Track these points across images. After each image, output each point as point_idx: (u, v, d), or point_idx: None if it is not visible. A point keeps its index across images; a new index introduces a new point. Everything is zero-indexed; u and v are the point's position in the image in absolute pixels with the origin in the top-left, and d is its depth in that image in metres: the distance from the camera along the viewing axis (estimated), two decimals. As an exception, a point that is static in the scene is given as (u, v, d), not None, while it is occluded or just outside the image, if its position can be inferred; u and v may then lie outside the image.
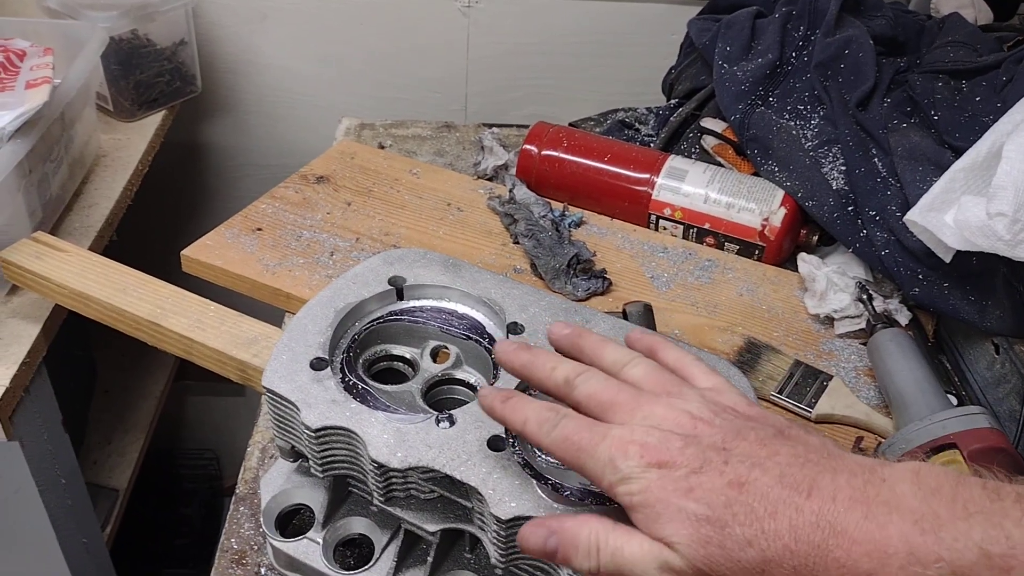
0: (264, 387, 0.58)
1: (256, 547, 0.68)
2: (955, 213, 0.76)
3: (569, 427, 0.47)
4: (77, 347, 1.40)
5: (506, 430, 0.55)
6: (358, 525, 0.62)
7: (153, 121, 1.25)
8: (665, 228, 0.99)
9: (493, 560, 0.54)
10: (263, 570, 0.66)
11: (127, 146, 1.20)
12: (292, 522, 0.65)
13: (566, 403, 0.50)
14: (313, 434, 0.56)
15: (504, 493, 0.52)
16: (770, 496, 0.42)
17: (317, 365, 0.59)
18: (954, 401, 0.78)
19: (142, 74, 1.23)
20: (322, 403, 0.56)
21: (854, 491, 0.41)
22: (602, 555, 0.45)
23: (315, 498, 0.63)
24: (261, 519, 0.62)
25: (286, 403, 0.57)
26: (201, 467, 1.94)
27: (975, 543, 0.38)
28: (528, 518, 0.51)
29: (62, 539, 0.99)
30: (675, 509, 0.42)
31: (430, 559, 0.58)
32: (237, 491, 0.72)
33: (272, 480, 0.64)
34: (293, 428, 0.58)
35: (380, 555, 0.60)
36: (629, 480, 0.44)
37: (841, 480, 0.42)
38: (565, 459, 0.47)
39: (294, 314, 0.88)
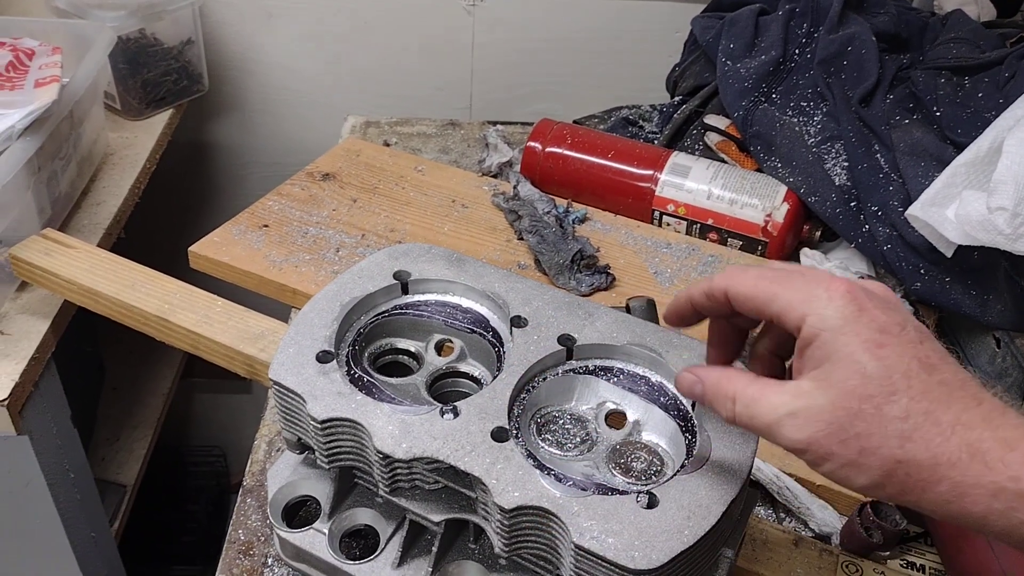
0: (271, 379, 0.58)
1: (263, 538, 0.68)
2: (956, 208, 0.77)
3: (764, 270, 0.47)
4: (85, 344, 1.41)
5: (509, 421, 0.56)
6: (364, 516, 0.63)
7: (160, 120, 1.26)
8: (668, 224, 1.00)
9: (497, 550, 0.55)
10: (270, 560, 0.67)
11: (135, 144, 1.21)
12: (299, 513, 0.66)
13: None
14: (319, 426, 0.57)
15: (508, 483, 0.52)
16: (949, 387, 0.41)
17: (323, 358, 0.59)
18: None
19: (149, 73, 1.24)
20: (328, 395, 0.57)
21: (1020, 419, 0.41)
22: (737, 405, 0.46)
23: (321, 489, 0.64)
24: (268, 510, 0.63)
25: (293, 395, 0.58)
26: (208, 464, 1.95)
27: None
28: (531, 507, 0.51)
29: (71, 533, 1.00)
30: (852, 359, 0.42)
31: (435, 549, 0.59)
32: (244, 483, 0.73)
33: (279, 472, 0.65)
34: (300, 420, 0.59)
35: (385, 545, 0.61)
36: (824, 313, 0.43)
37: (1011, 411, 0.42)
38: (755, 293, 0.46)
39: (300, 309, 0.89)
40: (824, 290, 0.44)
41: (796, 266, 0.48)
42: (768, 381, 0.46)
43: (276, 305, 0.90)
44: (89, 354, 1.45)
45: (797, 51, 1.05)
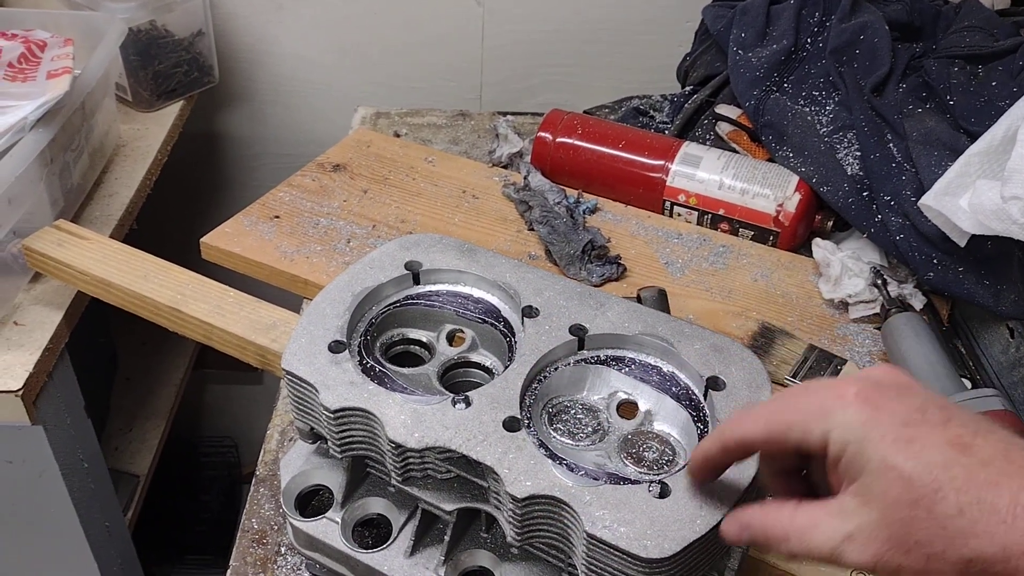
0: (283, 369, 0.59)
1: (276, 527, 0.69)
2: (970, 197, 0.77)
3: (763, 404, 0.47)
4: (98, 335, 1.42)
5: (521, 411, 0.56)
6: (376, 505, 0.63)
7: (171, 111, 1.26)
8: (679, 214, 1.00)
9: (509, 538, 0.55)
10: (283, 549, 0.67)
11: (146, 136, 1.21)
12: (311, 503, 0.66)
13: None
14: (332, 415, 0.57)
15: (520, 472, 0.52)
16: (994, 466, 0.39)
17: (335, 348, 0.60)
18: (968, 385, 0.79)
19: (160, 64, 1.24)
20: (341, 385, 0.57)
21: None
22: (793, 543, 0.44)
23: (334, 479, 0.64)
24: (281, 499, 0.63)
25: (305, 385, 0.58)
26: (220, 455, 1.96)
27: None
28: (544, 497, 0.52)
29: (85, 523, 1.01)
30: (887, 467, 0.40)
31: (447, 538, 0.59)
32: (257, 473, 0.73)
33: (291, 461, 0.66)
34: (312, 410, 0.59)
35: (398, 534, 0.61)
36: (843, 425, 0.42)
37: None
38: (768, 428, 0.46)
39: (312, 300, 0.89)
40: (835, 399, 0.43)
41: (798, 386, 0.48)
42: (810, 506, 0.44)
43: (287, 296, 0.91)
44: (102, 345, 1.45)
45: (809, 40, 1.05)
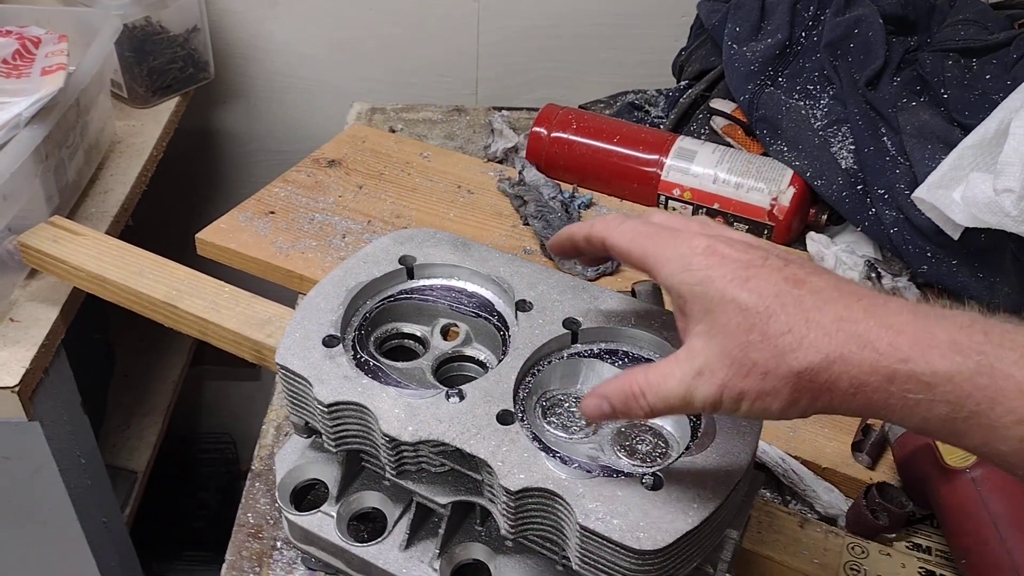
0: (278, 364, 0.59)
1: (272, 521, 0.69)
2: (963, 190, 0.77)
3: (639, 222, 0.51)
4: (95, 332, 1.42)
5: (514, 404, 0.56)
6: (371, 499, 0.63)
7: (167, 107, 1.26)
8: (674, 208, 1.00)
9: (503, 531, 0.55)
10: (279, 544, 0.67)
11: (141, 132, 1.21)
12: (307, 497, 0.66)
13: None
14: (326, 409, 0.57)
15: (513, 465, 0.53)
16: (823, 294, 0.44)
17: (329, 342, 0.60)
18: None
19: (155, 61, 1.24)
20: (335, 379, 0.57)
21: (903, 304, 0.43)
22: (649, 398, 0.47)
23: (329, 473, 0.64)
24: (276, 494, 0.64)
25: (299, 379, 0.58)
26: (218, 451, 1.96)
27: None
28: (537, 489, 0.52)
29: (82, 519, 1.01)
30: (727, 300, 0.44)
31: (441, 531, 0.60)
32: (253, 467, 0.73)
33: (287, 456, 0.66)
34: (307, 404, 0.60)
35: (393, 528, 0.61)
36: (691, 269, 0.46)
37: (893, 299, 0.43)
38: (631, 248, 0.50)
39: (307, 295, 0.90)
40: (687, 248, 0.47)
41: (674, 219, 0.52)
42: (662, 361, 0.48)
43: (282, 291, 0.91)
44: (99, 342, 1.45)
45: (803, 34, 1.05)
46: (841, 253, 0.90)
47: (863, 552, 0.64)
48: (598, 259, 0.60)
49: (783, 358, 0.43)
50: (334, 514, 0.63)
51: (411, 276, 0.67)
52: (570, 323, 0.61)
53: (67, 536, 1.02)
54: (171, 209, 1.49)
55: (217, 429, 1.97)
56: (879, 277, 0.87)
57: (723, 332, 0.44)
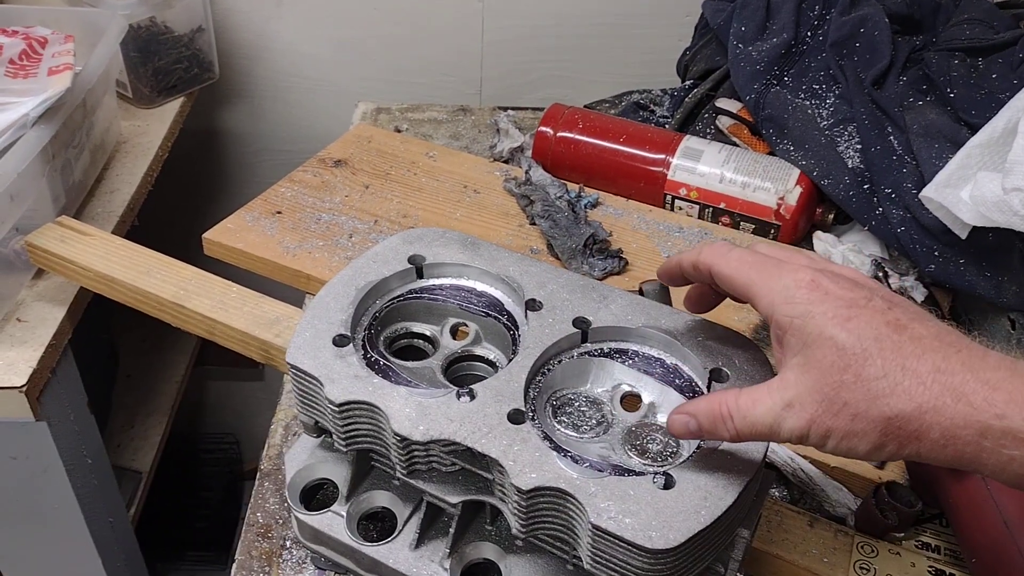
0: (288, 363, 0.59)
1: (281, 521, 0.69)
2: (971, 189, 0.77)
3: (746, 252, 0.52)
4: (100, 332, 1.42)
5: (525, 403, 0.56)
6: (381, 498, 0.63)
7: (172, 107, 1.26)
8: (681, 208, 1.00)
9: (514, 531, 0.55)
10: (288, 543, 0.67)
11: (147, 132, 1.21)
12: (316, 496, 0.66)
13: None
14: (337, 409, 0.57)
15: (525, 464, 0.53)
16: (923, 342, 0.43)
17: (340, 342, 0.60)
18: (970, 376, 0.79)
19: (160, 61, 1.24)
20: (345, 378, 0.57)
21: (1001, 359, 0.43)
22: (736, 422, 0.48)
23: (338, 472, 0.64)
24: (286, 493, 0.64)
25: (310, 379, 0.58)
26: (222, 451, 1.96)
27: None
28: (549, 489, 0.52)
29: (89, 518, 1.01)
30: (825, 337, 0.45)
31: (452, 531, 0.60)
32: (261, 467, 0.73)
33: (296, 455, 0.66)
34: (317, 403, 0.60)
35: (403, 527, 0.61)
36: (794, 301, 0.47)
37: (992, 354, 0.43)
38: (736, 276, 0.51)
39: (315, 295, 0.90)
40: (792, 280, 0.47)
41: (780, 251, 0.52)
42: (754, 387, 0.48)
43: (290, 291, 0.91)
44: (103, 342, 1.46)
45: (809, 33, 1.05)
46: (848, 252, 0.90)
47: (873, 551, 0.64)
48: (706, 301, 0.59)
49: (875, 402, 0.43)
50: (344, 513, 0.63)
51: (420, 275, 0.67)
52: (580, 322, 0.62)
53: (74, 536, 1.02)
54: (176, 209, 1.49)
55: (221, 429, 1.98)
56: (886, 276, 0.87)
57: (818, 368, 0.45)
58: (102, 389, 1.42)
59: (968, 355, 0.43)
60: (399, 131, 1.17)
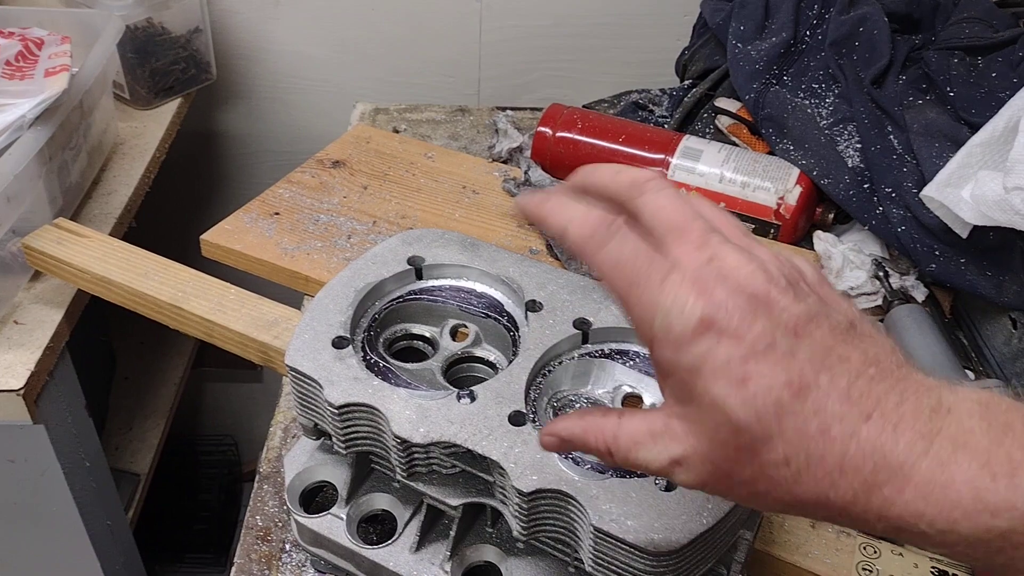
0: (287, 366, 0.59)
1: (280, 524, 0.69)
2: (972, 188, 0.77)
3: (626, 249, 0.40)
4: (97, 335, 1.41)
5: (526, 405, 0.56)
6: (381, 501, 0.63)
7: (169, 109, 1.26)
8: (680, 208, 1.00)
9: (515, 533, 0.55)
10: (287, 546, 0.67)
11: (144, 134, 1.20)
12: (315, 499, 0.66)
13: (623, 212, 0.42)
14: (336, 411, 0.57)
15: (526, 467, 0.52)
16: (828, 410, 0.36)
17: (339, 344, 0.59)
18: (971, 376, 0.79)
19: (158, 62, 1.23)
20: (345, 380, 0.57)
21: (918, 421, 0.36)
22: (617, 458, 0.41)
23: (338, 475, 0.64)
24: (285, 496, 0.63)
25: (309, 381, 0.58)
26: (220, 453, 1.96)
27: None
28: (550, 491, 0.51)
29: (87, 522, 1.01)
30: (716, 406, 0.37)
31: (452, 533, 0.59)
32: (260, 470, 0.73)
33: (295, 458, 0.65)
34: (316, 406, 0.59)
35: (403, 530, 0.61)
36: (679, 345, 0.37)
37: (907, 406, 0.36)
38: (613, 285, 0.40)
39: (313, 297, 0.89)
40: (676, 306, 0.37)
41: (673, 218, 0.39)
42: (634, 420, 0.41)
43: (288, 292, 0.90)
44: (100, 344, 1.45)
45: (808, 33, 1.04)
46: (848, 252, 0.89)
47: (875, 552, 0.64)
48: None
49: (775, 487, 0.37)
50: (344, 516, 0.62)
51: (420, 277, 0.67)
52: (580, 323, 0.61)
53: (72, 539, 1.02)
54: (174, 211, 1.49)
55: (218, 431, 1.97)
56: (887, 276, 0.87)
57: (709, 438, 0.38)
58: (99, 392, 1.42)
59: (880, 426, 0.35)
60: (397, 131, 1.17)
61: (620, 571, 0.51)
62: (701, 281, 0.37)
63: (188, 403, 1.75)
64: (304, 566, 0.66)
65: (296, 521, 0.63)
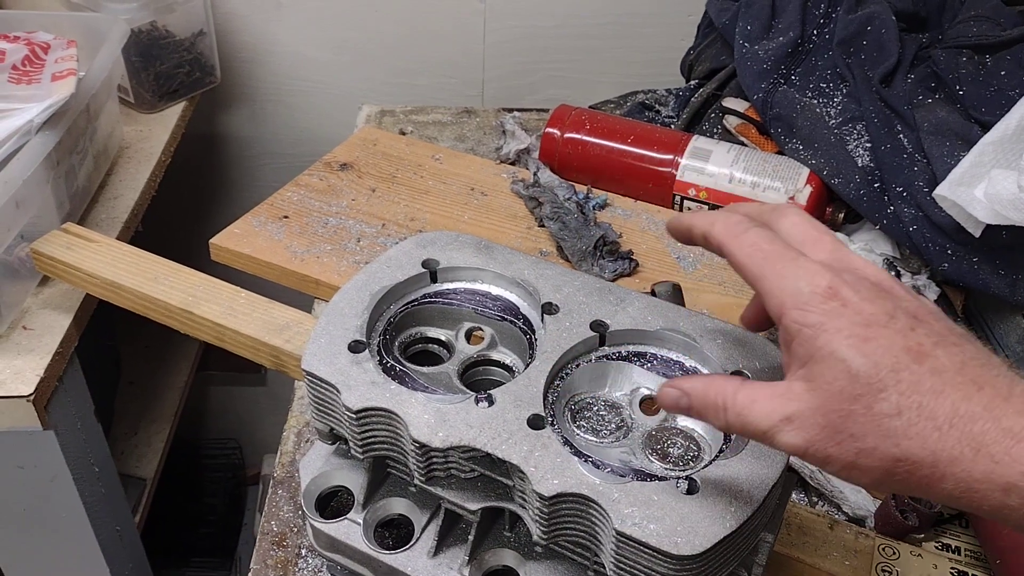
0: (304, 370, 0.58)
1: (296, 529, 0.68)
2: (985, 187, 0.76)
3: (763, 237, 0.45)
4: (102, 340, 1.41)
5: (544, 408, 0.56)
6: (397, 506, 0.63)
7: (174, 112, 1.26)
8: (690, 208, 0.99)
9: (536, 537, 0.54)
10: (303, 551, 0.67)
11: (149, 137, 1.20)
12: (330, 504, 0.65)
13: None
14: (354, 416, 0.56)
15: (546, 471, 0.52)
16: (944, 376, 0.39)
17: (355, 348, 0.59)
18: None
19: (162, 66, 1.23)
20: (362, 385, 0.57)
21: None
22: (730, 416, 0.44)
23: (354, 480, 0.64)
24: (301, 500, 0.63)
25: (326, 386, 0.58)
26: (224, 456, 1.96)
27: None
28: (571, 495, 0.51)
29: (96, 527, 1.00)
30: (837, 358, 0.40)
31: (471, 538, 0.59)
32: (275, 475, 0.72)
33: (311, 463, 0.65)
34: (333, 410, 0.59)
35: (420, 534, 0.61)
36: (806, 308, 0.42)
37: (1018, 388, 0.39)
38: (747, 265, 0.45)
39: (323, 300, 0.89)
40: (807, 283, 0.42)
41: (804, 230, 0.47)
42: (756, 385, 0.44)
43: (297, 296, 0.90)
44: (107, 350, 1.45)
45: (816, 32, 1.04)
46: (859, 252, 0.89)
47: (894, 553, 0.64)
48: (762, 319, 0.54)
49: (884, 440, 0.39)
50: (360, 521, 0.62)
51: (434, 280, 0.66)
52: (597, 325, 0.61)
53: (81, 544, 1.01)
54: (180, 215, 1.49)
55: (223, 434, 1.97)
56: (898, 275, 0.86)
57: (825, 390, 0.40)
58: (105, 397, 1.41)
59: (992, 395, 0.38)
60: (404, 133, 1.17)
61: (642, 575, 0.51)
62: (832, 267, 0.43)
63: (192, 407, 1.75)
64: (320, 571, 0.66)
65: (312, 526, 0.63)
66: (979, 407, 0.38)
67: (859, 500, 0.70)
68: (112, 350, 1.49)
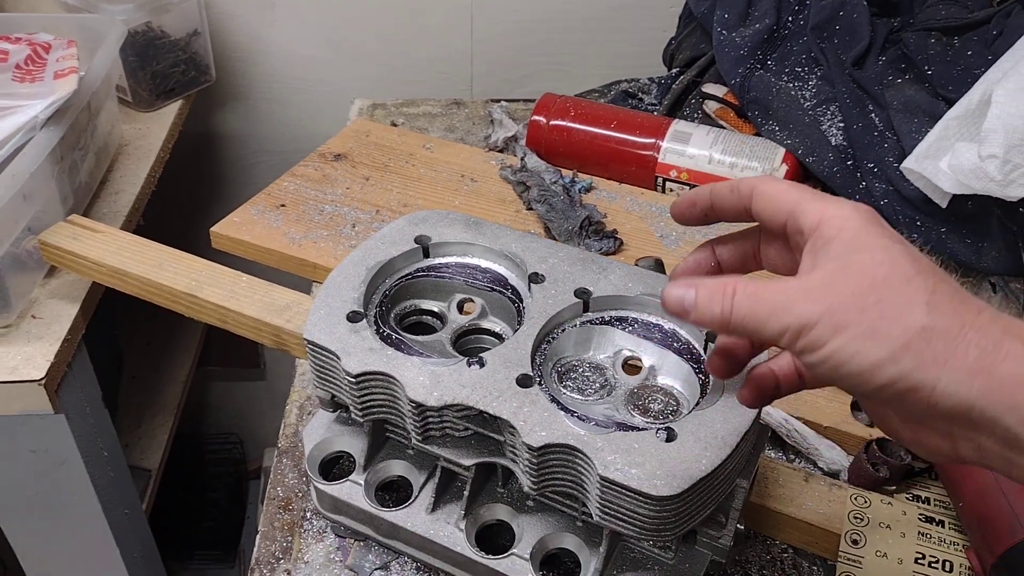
0: (305, 339, 0.62)
1: (300, 494, 0.72)
2: (949, 159, 0.80)
3: (798, 184, 0.47)
4: (106, 334, 1.44)
5: (532, 368, 0.59)
6: (397, 467, 0.66)
7: (171, 110, 1.29)
8: (672, 190, 1.03)
9: (526, 488, 0.58)
10: (308, 514, 0.70)
11: (147, 135, 1.24)
12: (333, 470, 0.69)
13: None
14: (354, 380, 0.60)
15: (535, 424, 0.56)
16: (985, 314, 0.39)
17: (353, 318, 0.63)
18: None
19: (158, 65, 1.26)
20: (361, 351, 0.60)
21: None
22: (738, 296, 0.42)
23: (355, 444, 0.67)
24: (305, 465, 0.66)
25: (327, 353, 0.61)
26: (226, 451, 1.99)
27: None
28: (558, 445, 0.55)
29: (106, 510, 1.04)
30: (879, 247, 0.40)
31: (466, 493, 0.62)
32: (279, 445, 0.76)
33: (314, 430, 0.69)
34: (334, 377, 0.62)
35: (418, 493, 0.64)
36: (849, 218, 0.42)
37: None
38: (780, 198, 0.46)
39: (321, 283, 0.92)
40: (850, 206, 0.43)
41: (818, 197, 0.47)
42: (770, 280, 0.43)
43: (296, 280, 0.93)
44: (110, 344, 1.48)
45: (790, 18, 1.08)
46: (834, 226, 0.93)
47: (866, 502, 0.67)
48: (734, 360, 0.53)
49: (914, 308, 0.38)
50: (362, 482, 0.65)
51: (427, 255, 0.70)
52: (581, 292, 0.65)
53: (92, 528, 1.05)
54: (180, 209, 1.52)
55: (223, 430, 2.00)
56: (871, 248, 0.90)
57: (858, 266, 0.40)
58: (109, 390, 1.44)
59: (1009, 319, 0.39)
60: (395, 125, 1.20)
61: (625, 518, 0.54)
62: (857, 207, 0.43)
63: (194, 402, 1.78)
64: (325, 532, 0.69)
65: (316, 489, 0.67)
66: (1004, 322, 0.39)
67: (833, 456, 0.73)
68: (115, 346, 1.52)
